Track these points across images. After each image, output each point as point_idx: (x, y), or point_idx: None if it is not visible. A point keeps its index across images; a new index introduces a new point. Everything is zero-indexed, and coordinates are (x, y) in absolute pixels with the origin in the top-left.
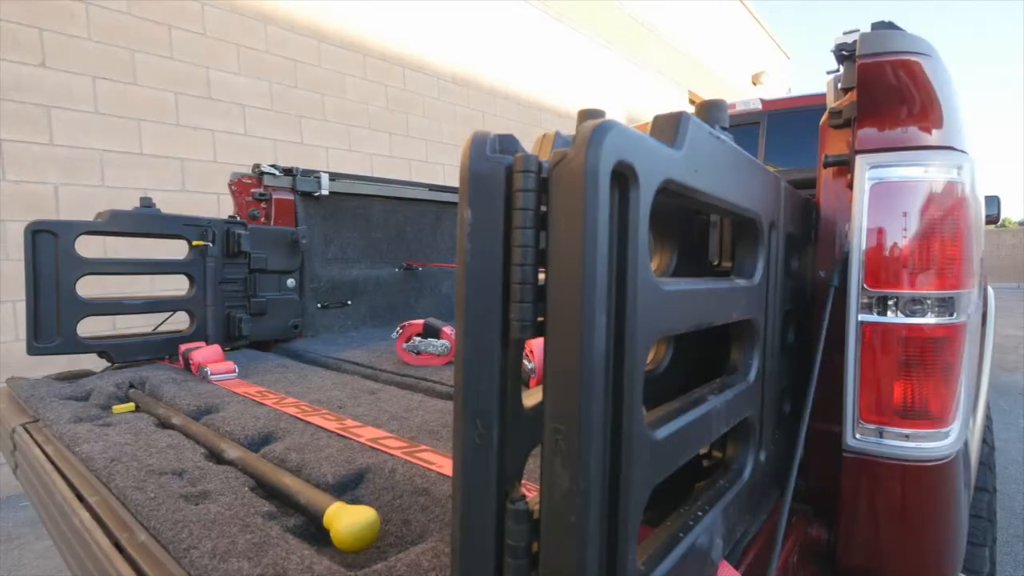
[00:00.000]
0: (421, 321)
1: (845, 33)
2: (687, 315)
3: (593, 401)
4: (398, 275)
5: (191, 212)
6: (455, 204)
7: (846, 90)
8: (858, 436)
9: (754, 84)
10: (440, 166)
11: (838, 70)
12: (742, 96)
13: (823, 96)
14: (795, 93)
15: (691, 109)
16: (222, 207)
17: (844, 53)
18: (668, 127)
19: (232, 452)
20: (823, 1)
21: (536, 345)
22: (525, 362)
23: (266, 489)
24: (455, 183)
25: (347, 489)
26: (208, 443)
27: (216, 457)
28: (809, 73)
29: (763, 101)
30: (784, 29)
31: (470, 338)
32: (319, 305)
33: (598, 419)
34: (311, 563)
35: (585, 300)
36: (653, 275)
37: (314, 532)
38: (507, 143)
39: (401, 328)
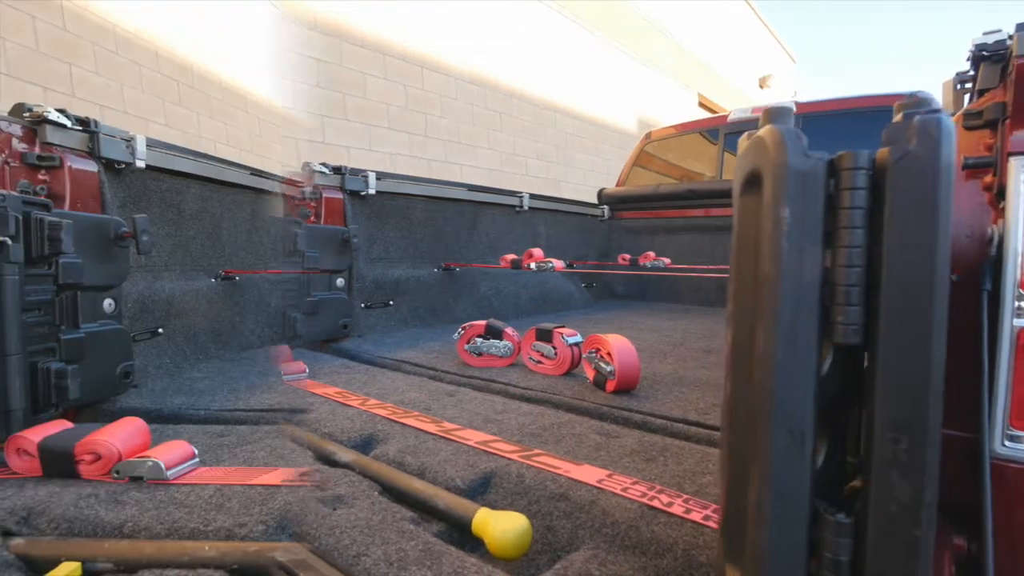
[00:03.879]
0: (483, 322)
1: (985, 34)
2: None
3: (938, 410)
4: (437, 275)
5: None
6: (492, 205)
7: (982, 91)
8: (1008, 444)
9: (761, 88)
10: (458, 166)
11: (968, 72)
12: (750, 99)
13: (858, 99)
14: (800, 97)
15: (703, 113)
16: None
17: (984, 54)
18: None
19: (344, 455)
20: (825, 2)
21: (615, 348)
22: (603, 364)
23: (394, 493)
24: (473, 182)
25: (477, 494)
26: (312, 445)
27: (327, 460)
28: (812, 76)
29: (796, 104)
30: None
31: (785, 343)
32: (363, 305)
33: (939, 428)
34: (489, 572)
35: (936, 304)
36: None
37: (457, 538)
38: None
39: (463, 329)
